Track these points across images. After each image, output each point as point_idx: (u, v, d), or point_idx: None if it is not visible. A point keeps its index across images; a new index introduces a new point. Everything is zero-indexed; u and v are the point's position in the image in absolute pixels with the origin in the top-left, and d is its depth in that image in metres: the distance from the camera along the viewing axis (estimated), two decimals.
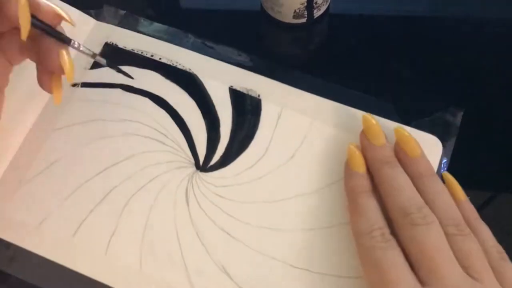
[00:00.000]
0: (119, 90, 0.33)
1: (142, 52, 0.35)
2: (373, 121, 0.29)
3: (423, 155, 0.28)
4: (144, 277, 0.29)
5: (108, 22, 0.36)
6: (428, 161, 0.28)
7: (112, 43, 0.35)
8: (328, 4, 0.36)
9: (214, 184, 0.31)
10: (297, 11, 0.35)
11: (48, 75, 0.27)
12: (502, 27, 0.37)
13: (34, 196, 0.31)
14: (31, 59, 0.28)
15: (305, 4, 0.34)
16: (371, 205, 0.27)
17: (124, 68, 0.34)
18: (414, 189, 0.27)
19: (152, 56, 0.35)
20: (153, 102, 0.33)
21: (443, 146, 0.31)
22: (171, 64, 0.34)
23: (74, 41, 0.28)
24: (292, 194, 0.30)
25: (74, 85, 0.34)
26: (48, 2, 0.26)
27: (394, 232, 0.26)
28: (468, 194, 0.28)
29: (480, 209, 0.28)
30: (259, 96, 0.33)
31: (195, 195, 0.31)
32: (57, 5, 0.27)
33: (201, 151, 0.32)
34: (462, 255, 0.25)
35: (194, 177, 0.31)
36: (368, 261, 0.26)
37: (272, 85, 0.33)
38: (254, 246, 0.29)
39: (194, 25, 0.37)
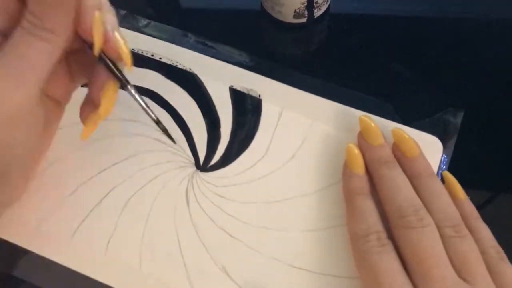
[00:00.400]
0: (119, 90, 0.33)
1: (142, 52, 0.35)
2: (370, 123, 0.29)
3: (421, 155, 0.28)
4: (144, 277, 0.28)
5: None
6: (427, 161, 0.28)
7: None
8: (328, 4, 0.36)
9: (214, 184, 0.31)
10: (298, 10, 0.35)
11: (90, 107, 0.26)
12: (502, 27, 0.37)
13: (34, 196, 0.31)
14: (89, 81, 0.27)
15: (306, 3, 0.34)
16: (368, 208, 0.27)
17: None
18: (412, 190, 0.27)
19: (152, 55, 0.35)
20: (154, 102, 0.33)
21: (444, 146, 0.31)
22: (172, 64, 0.34)
23: (131, 87, 0.26)
24: (292, 195, 0.30)
25: None
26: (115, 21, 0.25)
27: (391, 232, 0.26)
28: (468, 194, 0.29)
29: (480, 209, 0.28)
30: (259, 96, 0.33)
31: (195, 195, 0.30)
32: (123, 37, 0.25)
33: (201, 151, 0.32)
34: (458, 258, 0.25)
35: (194, 177, 0.31)
36: (363, 264, 0.26)
37: (273, 85, 0.33)
38: (254, 246, 0.29)
39: (194, 25, 0.37)
